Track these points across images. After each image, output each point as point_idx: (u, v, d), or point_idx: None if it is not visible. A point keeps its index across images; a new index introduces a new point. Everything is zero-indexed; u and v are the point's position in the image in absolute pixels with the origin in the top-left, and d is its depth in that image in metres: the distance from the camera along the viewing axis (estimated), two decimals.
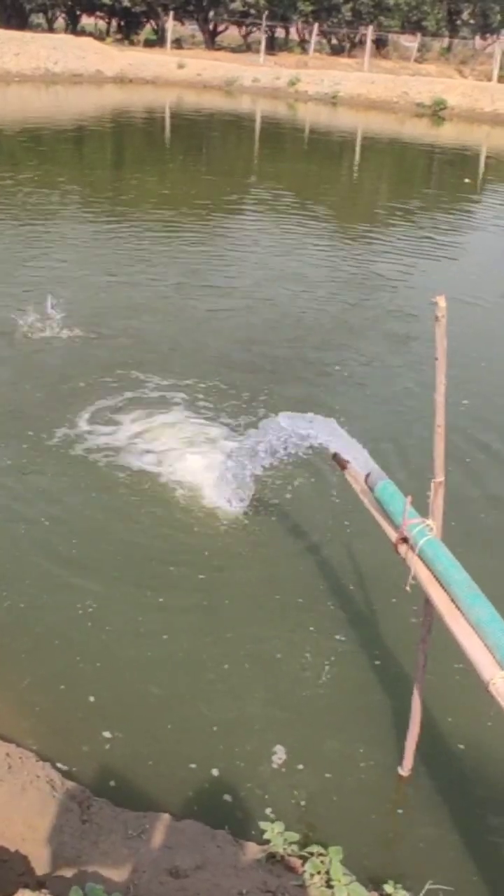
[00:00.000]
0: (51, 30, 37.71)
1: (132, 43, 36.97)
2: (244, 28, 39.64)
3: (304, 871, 2.66)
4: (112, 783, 3.06)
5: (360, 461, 3.26)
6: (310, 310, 8.44)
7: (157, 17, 36.98)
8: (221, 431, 5.63)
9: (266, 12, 35.67)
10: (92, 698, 3.42)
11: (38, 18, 39.01)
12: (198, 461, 5.18)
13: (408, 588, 2.70)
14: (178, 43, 36.64)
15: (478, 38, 41.24)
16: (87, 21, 40.13)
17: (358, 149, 21.42)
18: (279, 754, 3.23)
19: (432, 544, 2.63)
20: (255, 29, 38.56)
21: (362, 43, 36.42)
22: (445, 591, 2.55)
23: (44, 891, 2.41)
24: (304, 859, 2.71)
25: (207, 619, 3.95)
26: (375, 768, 3.20)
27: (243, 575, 4.30)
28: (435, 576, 2.60)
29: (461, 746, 3.33)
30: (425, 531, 2.67)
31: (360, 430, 5.15)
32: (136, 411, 5.85)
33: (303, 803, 3.05)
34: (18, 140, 17.99)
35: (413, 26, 38.28)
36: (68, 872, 2.57)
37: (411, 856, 2.91)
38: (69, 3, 36.86)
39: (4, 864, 2.58)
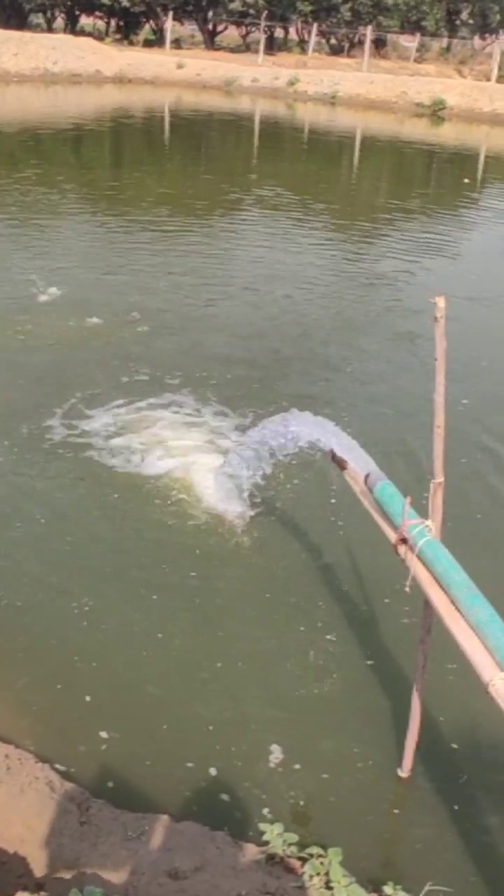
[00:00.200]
0: (50, 30, 37.69)
1: (131, 43, 36.95)
2: (243, 28, 39.62)
3: (304, 873, 2.66)
4: (110, 784, 3.06)
5: (359, 462, 3.26)
6: (310, 308, 8.44)
7: (157, 17, 36.96)
8: (220, 430, 5.63)
9: (265, 12, 35.67)
10: (88, 698, 3.42)
11: (37, 18, 38.99)
12: (196, 460, 5.17)
13: (407, 589, 2.69)
14: (177, 43, 36.62)
15: (477, 38, 41.22)
16: (86, 21, 40.11)
17: (357, 149, 21.42)
18: (278, 754, 3.22)
19: (431, 545, 2.63)
20: (254, 29, 38.55)
21: (361, 43, 36.40)
22: (445, 591, 2.54)
23: (42, 893, 2.40)
24: (304, 861, 2.71)
25: (203, 619, 3.95)
26: (374, 769, 3.20)
27: (240, 574, 4.30)
28: (434, 577, 2.60)
29: (461, 748, 3.33)
30: (424, 532, 2.66)
31: (359, 430, 5.15)
32: (132, 409, 5.84)
33: (302, 804, 3.04)
34: (18, 140, 17.98)
35: (412, 26, 38.27)
36: (67, 874, 2.57)
37: (411, 857, 2.90)
38: (68, 3, 36.85)
39: (3, 865, 2.57)
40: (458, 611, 2.46)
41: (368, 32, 34.43)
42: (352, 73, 30.84)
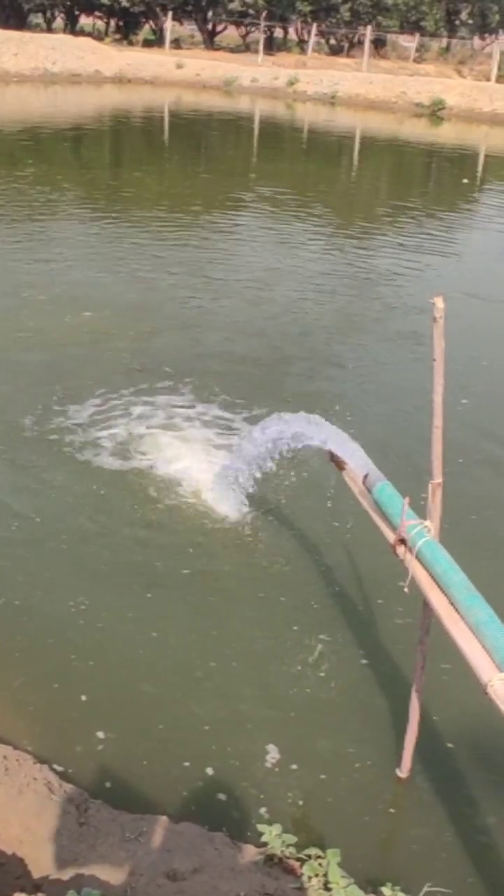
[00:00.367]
0: (49, 30, 37.70)
1: (131, 43, 36.96)
2: (243, 28, 39.64)
3: (302, 874, 2.65)
4: (108, 784, 3.06)
5: (358, 462, 3.25)
6: (310, 306, 8.44)
7: (156, 17, 36.97)
8: (219, 429, 5.63)
9: (265, 12, 35.67)
10: (84, 697, 3.42)
11: (36, 18, 39.02)
12: (194, 459, 5.17)
13: (406, 589, 2.69)
14: (176, 43, 36.63)
15: (476, 38, 41.25)
16: (85, 21, 40.13)
17: (357, 149, 21.42)
18: (274, 754, 3.22)
19: (430, 546, 2.62)
20: (253, 29, 38.56)
21: (361, 43, 36.43)
22: (443, 592, 2.54)
23: (40, 894, 2.40)
24: (302, 862, 2.70)
25: (199, 618, 3.95)
26: (373, 769, 3.19)
27: (236, 574, 4.29)
28: (433, 577, 2.59)
29: (459, 748, 3.32)
30: (423, 532, 2.66)
31: (359, 430, 5.15)
32: (131, 408, 5.83)
33: (300, 805, 3.04)
34: (18, 140, 17.97)
35: (411, 26, 38.29)
36: (65, 876, 2.56)
37: (410, 858, 2.89)
38: (68, 3, 36.87)
39: (1, 867, 2.57)
40: (457, 611, 2.46)
41: (368, 32, 34.45)
42: (351, 74, 30.85)
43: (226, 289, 8.88)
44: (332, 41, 40.46)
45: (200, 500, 4.81)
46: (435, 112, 27.34)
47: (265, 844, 2.76)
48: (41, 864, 2.61)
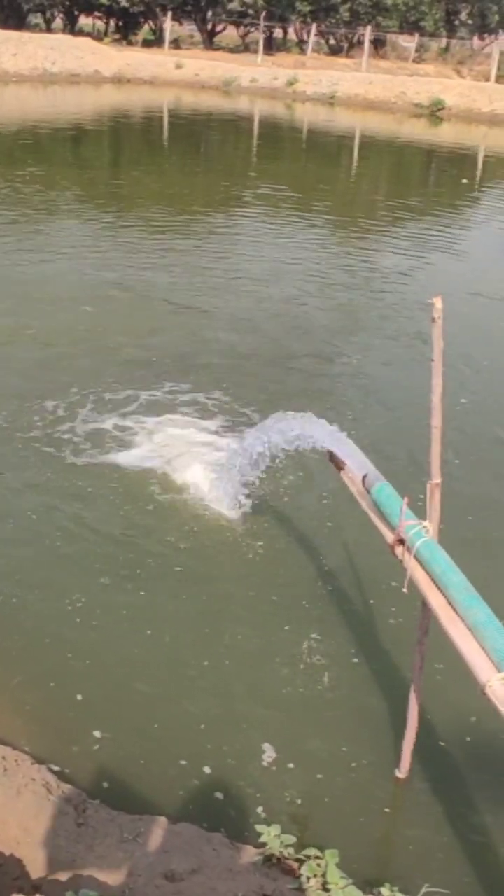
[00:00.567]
0: (49, 30, 37.68)
1: (130, 43, 36.93)
2: (242, 28, 39.61)
3: (301, 874, 2.65)
4: (105, 784, 3.05)
5: (357, 462, 3.25)
6: (311, 305, 8.43)
7: (155, 17, 36.95)
8: (218, 428, 5.62)
9: (264, 12, 35.65)
10: (80, 696, 3.42)
11: (35, 18, 38.98)
12: (192, 458, 5.16)
13: (404, 590, 2.68)
14: (176, 43, 36.60)
15: (476, 38, 41.25)
16: (84, 21, 40.10)
17: (356, 149, 21.41)
18: (270, 753, 3.22)
19: (429, 546, 2.62)
20: (253, 29, 38.54)
21: (360, 43, 36.40)
22: (442, 593, 2.53)
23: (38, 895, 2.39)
24: (301, 862, 2.70)
25: (194, 617, 3.95)
26: (371, 770, 3.19)
27: (233, 573, 4.29)
28: (432, 578, 2.59)
29: (458, 749, 3.32)
30: (422, 533, 2.66)
31: (360, 429, 5.15)
32: (130, 409, 5.83)
33: (298, 805, 3.03)
34: (17, 140, 17.96)
35: (411, 26, 38.28)
36: (63, 876, 2.56)
37: (408, 858, 2.89)
38: (67, 3, 36.83)
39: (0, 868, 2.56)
40: (456, 612, 2.46)
41: (367, 33, 34.42)
42: (350, 74, 30.83)
43: (225, 287, 8.87)
44: (332, 41, 40.44)
45: (197, 499, 4.81)
46: (434, 112, 27.33)
47: (263, 845, 2.76)
48: (39, 864, 2.60)
